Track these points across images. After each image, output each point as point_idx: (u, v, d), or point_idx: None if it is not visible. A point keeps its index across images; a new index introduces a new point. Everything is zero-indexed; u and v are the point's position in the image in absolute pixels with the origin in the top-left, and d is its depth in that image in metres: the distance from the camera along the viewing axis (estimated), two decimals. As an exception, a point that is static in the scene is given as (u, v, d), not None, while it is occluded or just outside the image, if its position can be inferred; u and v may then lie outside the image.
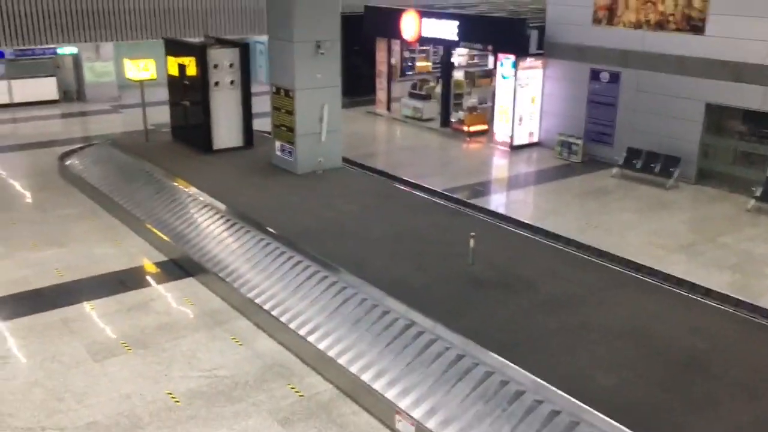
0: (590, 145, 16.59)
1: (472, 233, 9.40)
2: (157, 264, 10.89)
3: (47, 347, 8.42)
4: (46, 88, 22.52)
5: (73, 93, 23.39)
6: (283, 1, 12.74)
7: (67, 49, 22.52)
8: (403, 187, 13.45)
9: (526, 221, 12.05)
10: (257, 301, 9.10)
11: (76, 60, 23.06)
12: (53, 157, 15.86)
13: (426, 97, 20.62)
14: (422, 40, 20.53)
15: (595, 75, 16.44)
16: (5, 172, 15.83)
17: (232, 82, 14.62)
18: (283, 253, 9.80)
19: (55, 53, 22.48)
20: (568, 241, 11.02)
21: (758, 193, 13.32)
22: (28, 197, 14.24)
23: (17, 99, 21.97)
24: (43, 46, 21.27)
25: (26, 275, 10.36)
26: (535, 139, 17.91)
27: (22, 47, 20.82)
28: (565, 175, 15.68)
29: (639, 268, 10.02)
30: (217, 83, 14.44)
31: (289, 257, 9.68)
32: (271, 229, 10.47)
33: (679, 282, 9.59)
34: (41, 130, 19.51)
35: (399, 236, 10.49)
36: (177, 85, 15.26)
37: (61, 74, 23.08)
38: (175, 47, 15.33)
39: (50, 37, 20.63)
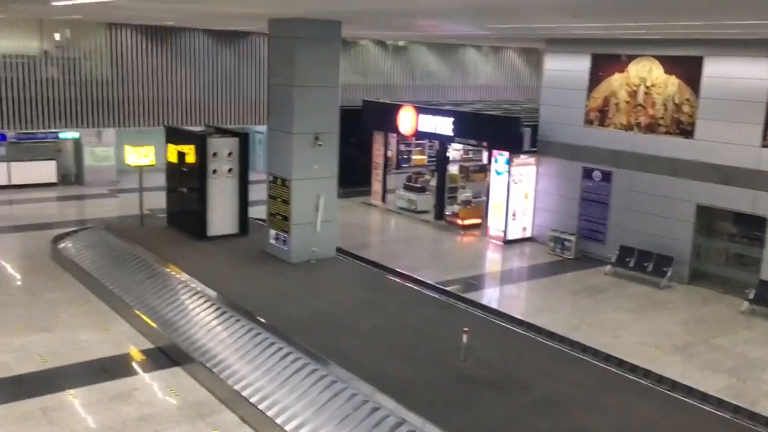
0: (583, 242, 16.68)
1: (465, 328, 9.30)
2: (144, 351, 10.68)
3: (23, 437, 8.14)
4: (45, 171, 22.73)
5: (71, 176, 23.60)
6: (284, 94, 13.08)
7: (69, 134, 22.89)
8: (396, 279, 13.41)
9: (519, 317, 11.95)
10: (244, 393, 8.87)
11: (77, 144, 23.41)
12: (47, 239, 15.83)
13: (421, 190, 20.87)
14: (418, 135, 20.97)
15: (587, 173, 16.72)
16: (-3, 254, 15.77)
17: (230, 170, 14.81)
18: (273, 344, 9.64)
19: (57, 137, 22.84)
20: (562, 339, 10.89)
21: (752, 296, 13.29)
22: (18, 280, 14.11)
23: (15, 181, 22.13)
24: (45, 131, 21.62)
25: (7, 360, 10.12)
26: (529, 234, 18.01)
27: (26, 131, 21.16)
28: (558, 272, 15.68)
29: (633, 368, 9.87)
30: (215, 171, 14.62)
31: (279, 348, 9.51)
32: (261, 319, 10.34)
33: (674, 385, 9.43)
34: (37, 213, 19.56)
35: (391, 329, 10.37)
36: (175, 171, 15.44)
37: (61, 158, 23.36)
38: (175, 135, 15.61)
39: (54, 122, 21.03)
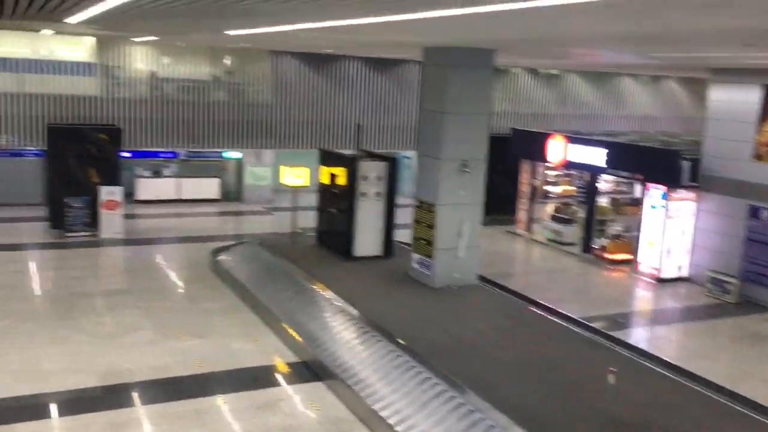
0: (747, 286, 15.46)
1: (611, 368, 8.90)
2: (289, 364, 11.12)
3: (178, 435, 8.71)
4: (210, 187, 24.46)
5: (232, 193, 25.19)
6: (435, 120, 13.27)
7: (233, 154, 24.48)
8: (538, 311, 13.10)
9: (671, 361, 11.27)
10: (382, 413, 8.99)
11: (239, 164, 24.98)
12: (206, 251, 16.96)
13: (569, 221, 20.30)
14: (568, 165, 20.46)
15: (754, 212, 15.54)
16: (165, 263, 17.10)
17: (377, 194, 15.18)
18: (413, 367, 9.71)
19: (221, 156, 24.52)
20: (720, 389, 10.14)
21: None
22: (180, 288, 15.21)
23: (184, 196, 23.96)
24: (212, 150, 23.25)
25: (169, 363, 10.91)
26: (684, 274, 16.97)
27: (195, 150, 22.86)
28: (717, 316, 14.63)
29: (803, 429, 8.99)
30: (363, 194, 15.05)
31: (418, 372, 9.57)
32: (401, 341, 10.46)
33: None
34: (200, 226, 21.04)
35: (531, 362, 10.13)
36: (326, 192, 16.06)
37: (224, 176, 25.04)
38: (328, 157, 16.26)
39: (220, 142, 22.56)
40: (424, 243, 13.71)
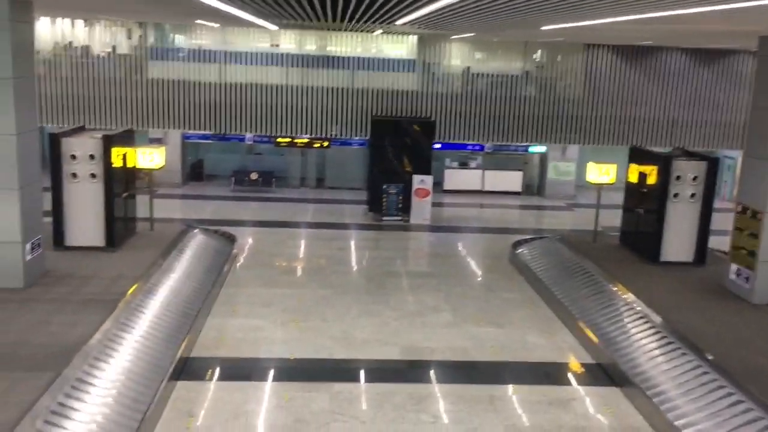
0: None
1: None
2: (584, 365, 10.89)
3: (472, 418, 9.06)
4: (512, 180, 24.86)
5: (534, 187, 25.27)
6: None
7: (537, 148, 24.52)
8: None
9: None
10: (685, 431, 8.37)
11: (543, 158, 24.93)
12: (506, 243, 17.27)
13: None
14: None
15: None
16: (465, 250, 17.83)
17: (692, 195, 14.05)
18: (722, 387, 8.87)
19: (525, 150, 24.71)
20: None
21: None
22: (479, 276, 15.73)
23: (487, 187, 24.67)
24: (517, 144, 23.53)
25: (466, 347, 11.39)
26: None
27: (501, 143, 23.35)
28: None
29: None
30: (676, 195, 14.05)
31: (728, 393, 8.71)
32: (710, 357, 9.60)
33: None
34: (501, 218, 21.51)
35: None
36: (634, 192, 15.29)
37: (527, 169, 25.22)
38: (639, 155, 15.44)
39: (525, 136, 22.73)
40: (745, 253, 12.35)
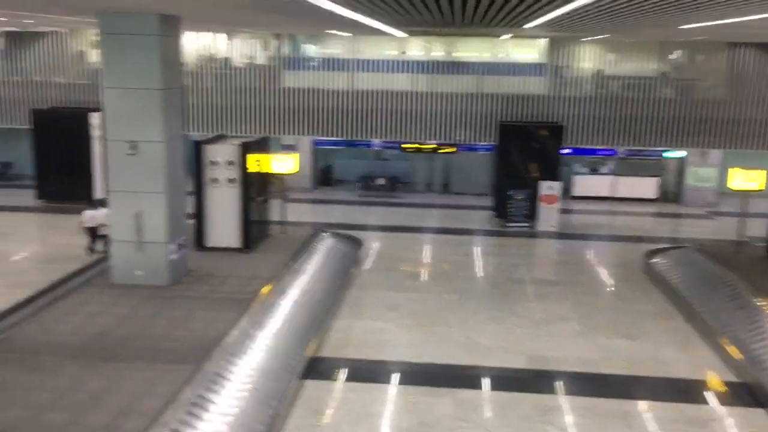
0: None
1: None
2: (726, 383, 10.22)
3: None
4: (647, 187, 23.76)
5: (670, 194, 24.03)
6: None
7: (674, 153, 23.29)
8: None
9: None
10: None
11: (681, 163, 23.66)
12: (638, 252, 16.52)
13: None
14: None
15: None
16: (595, 259, 17.24)
17: None
18: None
19: (661, 155, 23.54)
20: None
21: None
22: (610, 286, 15.15)
23: (620, 194, 23.72)
24: (652, 148, 22.47)
25: (595, 358, 11.01)
26: None
27: (635, 148, 22.38)
28: None
29: None
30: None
31: None
32: None
33: None
34: (634, 225, 20.61)
35: None
36: (784, 199, 14.20)
37: (664, 175, 24.02)
38: (790, 160, 14.33)
39: (662, 140, 21.63)
40: None
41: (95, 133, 19.99)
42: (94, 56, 22.11)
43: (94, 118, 19.92)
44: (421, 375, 10.33)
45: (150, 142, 11.52)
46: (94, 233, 15.09)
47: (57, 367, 8.83)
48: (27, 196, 20.88)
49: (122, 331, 10.07)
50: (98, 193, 19.78)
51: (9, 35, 22.46)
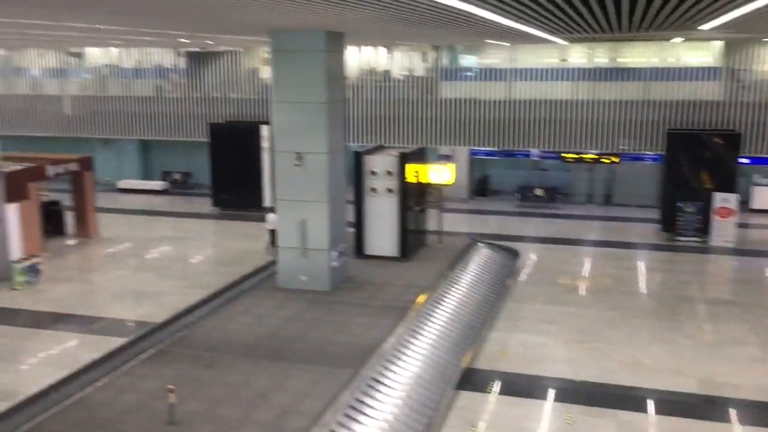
0: None
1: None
2: None
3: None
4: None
5: None
6: None
7: None
8: None
9: None
10: None
11: None
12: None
13: None
14: None
15: None
16: (777, 277, 15.81)
17: None
18: None
19: None
20: None
21: None
22: (795, 308, 13.82)
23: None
24: None
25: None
26: None
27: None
28: None
29: None
30: None
31: None
32: None
33: None
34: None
35: None
36: None
37: None
38: None
39: None
40: None
41: (265, 144, 21.26)
42: (265, 72, 23.54)
43: (264, 131, 21.20)
44: (580, 393, 9.97)
45: (315, 153, 12.07)
46: (275, 234, 16.04)
47: (230, 364, 9.46)
48: (204, 204, 22.57)
49: (287, 332, 10.60)
50: (267, 201, 21.01)
51: (190, 55, 24.47)
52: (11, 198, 15.23)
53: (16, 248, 15.15)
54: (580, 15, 9.73)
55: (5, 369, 10.58)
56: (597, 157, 22.45)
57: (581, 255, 17.61)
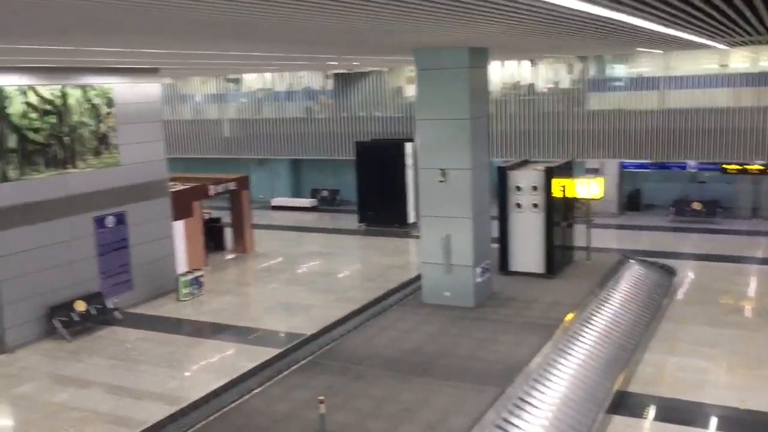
0: None
1: None
2: None
3: None
4: None
5: None
6: None
7: None
8: None
9: None
10: None
11: None
12: None
13: None
14: None
15: None
16: None
17: None
18: None
19: None
20: None
21: None
22: None
23: None
24: None
25: None
26: None
27: None
28: None
29: None
30: None
31: None
32: None
33: None
34: None
35: None
36: None
37: None
38: None
39: None
40: None
41: (409, 161, 21.57)
42: (409, 91, 23.94)
43: (408, 148, 21.51)
44: (746, 423, 9.22)
45: (458, 170, 12.09)
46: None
47: (376, 377, 9.64)
48: (350, 220, 23.22)
49: (432, 348, 10.64)
50: (411, 218, 21.28)
51: (336, 77, 25.38)
52: (178, 216, 16.47)
53: (182, 262, 16.38)
54: (744, 17, 9.10)
55: (173, 375, 11.40)
56: (763, 168, 20.78)
57: (746, 273, 16.33)
